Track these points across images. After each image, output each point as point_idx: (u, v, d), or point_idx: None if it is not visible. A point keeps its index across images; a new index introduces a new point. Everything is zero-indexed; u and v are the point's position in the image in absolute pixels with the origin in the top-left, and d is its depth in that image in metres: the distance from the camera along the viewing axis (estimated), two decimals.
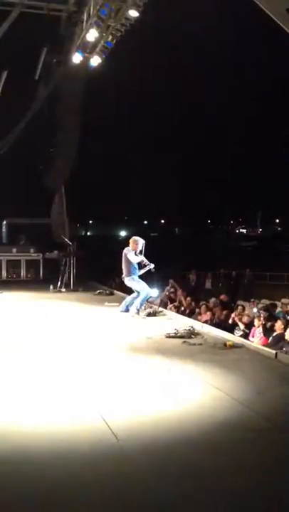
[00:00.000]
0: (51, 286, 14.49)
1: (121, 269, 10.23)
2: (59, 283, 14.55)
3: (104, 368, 6.36)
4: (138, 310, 9.88)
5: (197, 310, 12.30)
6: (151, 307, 10.94)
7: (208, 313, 11.67)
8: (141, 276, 10.18)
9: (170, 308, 12.32)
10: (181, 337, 8.02)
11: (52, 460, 3.87)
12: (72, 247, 15.24)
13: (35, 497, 3.40)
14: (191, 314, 11.92)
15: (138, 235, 10.45)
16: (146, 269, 10.06)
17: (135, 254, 10.03)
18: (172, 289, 14.88)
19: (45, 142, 17.82)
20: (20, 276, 16.57)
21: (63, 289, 14.31)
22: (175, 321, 9.72)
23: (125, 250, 10.08)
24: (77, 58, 13.92)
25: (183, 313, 11.88)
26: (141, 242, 10.15)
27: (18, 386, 5.56)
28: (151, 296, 11.43)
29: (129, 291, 11.52)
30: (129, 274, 9.99)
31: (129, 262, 9.97)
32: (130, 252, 10.01)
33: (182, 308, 12.85)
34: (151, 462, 3.89)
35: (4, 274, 16.07)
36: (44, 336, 8.23)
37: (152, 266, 10.04)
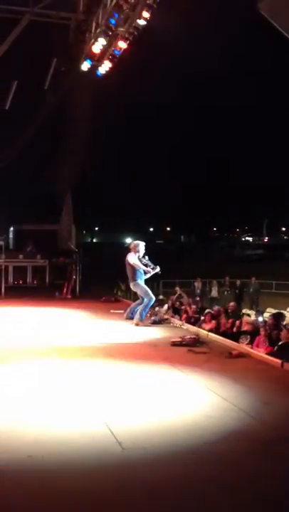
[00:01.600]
0: (57, 293, 14.53)
1: (125, 275, 10.25)
2: (65, 289, 14.58)
3: (109, 375, 6.36)
4: (142, 317, 9.87)
5: (202, 318, 12.28)
6: (156, 315, 10.94)
7: (213, 321, 11.64)
8: (147, 282, 10.15)
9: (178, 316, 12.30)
10: (186, 345, 8.01)
11: (56, 469, 3.86)
12: (79, 253, 15.28)
13: (39, 506, 3.40)
14: (195, 322, 11.90)
15: (144, 243, 10.43)
16: (153, 272, 10.09)
17: (138, 258, 10.04)
18: (176, 297, 14.86)
19: (53, 150, 17.92)
20: (26, 283, 16.59)
21: (69, 296, 14.34)
22: (180, 329, 9.72)
23: (128, 255, 10.10)
24: (85, 66, 14.01)
25: (188, 321, 11.85)
26: (141, 245, 10.16)
27: (22, 394, 5.56)
28: (156, 303, 11.45)
29: (134, 297, 11.59)
30: (134, 279, 9.98)
31: (132, 267, 9.96)
32: (132, 257, 10.01)
33: (186, 316, 12.83)
34: (156, 472, 3.88)
35: (11, 280, 16.10)
36: (48, 342, 8.23)
37: (158, 269, 10.06)
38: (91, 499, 3.49)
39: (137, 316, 9.90)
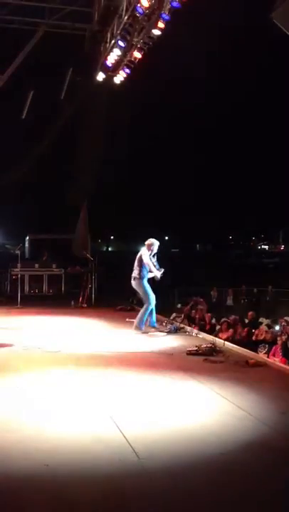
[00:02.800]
0: (73, 302, 14.56)
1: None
2: (80, 298, 14.62)
3: (124, 384, 6.34)
4: (142, 323, 9.75)
5: (218, 327, 12.23)
6: (172, 323, 10.91)
7: (230, 330, 11.58)
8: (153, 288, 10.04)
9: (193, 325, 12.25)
10: (202, 354, 7.96)
11: (74, 478, 3.85)
12: (94, 262, 15.32)
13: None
14: (212, 331, 11.85)
15: (158, 243, 10.28)
16: (152, 275, 9.93)
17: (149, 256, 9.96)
18: (191, 306, 14.81)
19: (69, 160, 18.06)
20: (42, 292, 16.68)
21: (84, 305, 14.37)
22: (196, 338, 9.67)
23: (142, 251, 10.03)
24: (100, 77, 14.12)
25: (204, 329, 11.80)
26: (156, 245, 10.09)
27: (38, 402, 5.57)
28: (174, 313, 11.38)
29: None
30: (140, 276, 9.85)
31: (142, 264, 9.86)
32: (146, 254, 9.92)
33: (201, 324, 12.78)
34: (173, 482, 3.84)
35: (27, 289, 16.19)
36: (64, 351, 8.24)
37: (159, 274, 9.91)
38: (109, 508, 3.46)
39: (136, 321, 9.78)
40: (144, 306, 9.83)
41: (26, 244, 21.01)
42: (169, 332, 10.12)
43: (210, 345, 8.38)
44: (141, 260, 9.90)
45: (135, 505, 3.53)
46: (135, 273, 9.93)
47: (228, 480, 3.90)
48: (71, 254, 17.38)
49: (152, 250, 10.05)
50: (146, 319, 9.95)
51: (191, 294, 15.69)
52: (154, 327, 10.06)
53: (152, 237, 10.25)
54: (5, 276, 16.60)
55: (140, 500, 3.60)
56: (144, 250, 10.01)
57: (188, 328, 10.83)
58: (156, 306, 10.17)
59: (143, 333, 9.69)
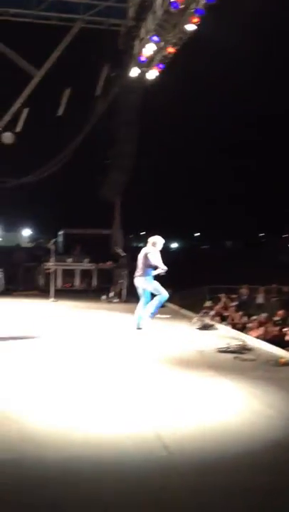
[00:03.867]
0: (103, 296, 14.69)
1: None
2: (111, 293, 14.73)
3: (154, 381, 6.38)
4: (153, 315, 9.48)
5: (249, 325, 12.15)
6: (203, 320, 10.90)
7: (261, 328, 11.49)
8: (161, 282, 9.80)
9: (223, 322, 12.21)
10: (232, 352, 7.94)
11: (103, 471, 3.90)
12: (126, 258, 15.39)
13: (86, 507, 3.45)
14: (242, 329, 11.78)
15: (163, 240, 10.01)
16: (157, 272, 9.62)
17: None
18: (223, 304, 14.74)
19: (103, 155, 18.15)
20: (74, 286, 16.86)
21: (115, 300, 14.47)
22: (227, 336, 9.64)
23: (146, 249, 9.72)
24: (134, 72, 14.16)
25: (235, 327, 11.74)
26: (160, 243, 9.81)
27: (68, 397, 5.65)
28: (203, 309, 11.29)
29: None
30: (145, 274, 9.57)
31: (146, 262, 9.56)
32: (152, 253, 9.60)
33: (233, 322, 12.71)
34: (201, 478, 3.86)
35: (59, 283, 16.40)
36: (94, 344, 8.33)
37: (164, 270, 9.58)
38: (138, 502, 3.51)
39: (147, 313, 9.44)
40: (157, 298, 9.47)
41: (60, 239, 21.24)
42: (200, 329, 10.11)
43: (240, 343, 8.35)
44: (146, 259, 9.57)
45: (164, 501, 3.56)
46: (140, 271, 9.62)
47: (257, 479, 3.90)
48: (103, 250, 17.52)
49: (157, 248, 9.74)
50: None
51: (221, 292, 15.60)
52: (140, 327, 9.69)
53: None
54: (38, 270, 16.85)
55: (169, 495, 3.63)
56: (149, 249, 9.68)
57: (219, 326, 10.80)
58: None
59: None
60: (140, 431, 4.64)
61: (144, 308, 9.68)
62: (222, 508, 3.49)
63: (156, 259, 9.56)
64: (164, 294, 9.50)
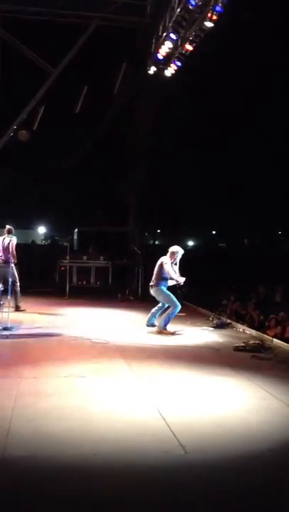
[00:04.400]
0: (119, 294, 14.69)
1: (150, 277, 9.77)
2: (127, 291, 14.72)
3: (171, 378, 6.36)
4: (165, 325, 9.35)
5: (266, 324, 12.05)
6: (219, 318, 10.84)
7: (278, 327, 11.38)
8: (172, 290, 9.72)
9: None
10: (249, 351, 7.89)
11: (119, 469, 3.89)
12: (141, 255, 15.37)
13: (102, 504, 3.44)
14: (259, 328, 11.68)
15: (182, 251, 9.81)
16: (174, 282, 9.55)
17: (171, 265, 9.53)
18: (240, 303, 14.63)
19: (119, 154, 18.15)
20: (89, 283, 16.88)
21: (131, 297, 14.46)
22: (243, 334, 9.59)
23: (163, 259, 9.60)
24: (152, 70, 14.11)
25: (252, 326, 11.65)
26: (180, 253, 9.67)
27: (86, 392, 5.66)
28: (220, 307, 11.21)
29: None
30: (158, 284, 9.49)
31: (162, 271, 9.47)
32: (168, 263, 9.50)
33: (250, 321, 12.62)
34: (218, 477, 3.83)
35: (75, 280, 16.43)
36: (111, 342, 8.33)
37: (182, 280, 9.53)
38: (154, 500, 3.49)
39: (160, 324, 9.39)
40: (171, 309, 9.40)
41: (75, 237, 21.29)
42: (216, 327, 10.06)
43: (258, 341, 8.29)
44: (161, 267, 9.50)
45: (181, 499, 3.53)
46: (154, 281, 9.56)
47: (275, 477, 3.86)
48: (119, 247, 17.53)
49: (175, 258, 9.63)
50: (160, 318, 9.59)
51: (238, 290, 15.49)
52: (151, 324, 9.72)
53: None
54: (54, 267, 16.90)
55: (185, 494, 3.61)
56: (165, 258, 9.59)
57: (235, 324, 10.73)
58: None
59: (169, 333, 9.27)
60: (157, 428, 4.62)
61: (161, 309, 9.63)
62: (239, 506, 3.45)
63: (170, 270, 9.45)
64: (176, 305, 9.43)
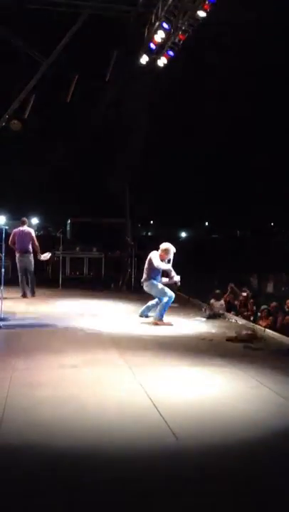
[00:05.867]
0: (112, 285, 14.70)
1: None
2: (120, 282, 14.74)
3: (163, 368, 6.38)
4: (161, 316, 9.29)
5: (258, 314, 12.12)
6: (212, 309, 10.88)
7: (270, 317, 11.46)
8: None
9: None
10: (242, 341, 7.92)
11: (111, 458, 3.90)
12: (134, 247, 15.38)
13: (97, 492, 3.45)
14: (251, 318, 11.75)
15: (174, 249, 9.62)
16: (172, 281, 9.48)
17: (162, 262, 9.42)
18: (229, 292, 14.69)
19: (112, 144, 18.07)
20: (82, 274, 16.88)
21: (124, 288, 14.48)
22: (236, 325, 9.62)
23: (152, 254, 9.47)
24: (144, 59, 14.02)
25: (244, 317, 11.71)
26: (172, 252, 9.47)
27: (79, 381, 5.67)
28: (212, 297, 11.24)
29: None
30: (149, 278, 9.39)
31: (151, 266, 9.37)
32: (156, 258, 9.37)
33: (240, 311, 12.68)
34: (211, 465, 3.85)
35: (68, 271, 16.43)
36: (104, 333, 8.34)
37: (178, 279, 9.45)
38: (146, 488, 3.51)
39: (156, 315, 9.34)
40: (164, 300, 9.30)
41: (68, 228, 21.26)
42: (209, 318, 10.10)
43: (250, 332, 8.33)
44: (150, 263, 9.39)
45: (173, 487, 3.55)
46: (145, 276, 9.48)
47: (266, 466, 3.89)
48: (111, 238, 17.52)
49: (166, 258, 9.46)
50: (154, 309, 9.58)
51: (230, 281, 15.54)
52: (144, 315, 9.72)
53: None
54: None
55: (178, 481, 3.62)
56: (154, 253, 9.48)
57: (228, 315, 10.78)
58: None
59: (166, 324, 9.26)
60: (149, 417, 4.64)
61: (157, 304, 9.58)
62: (231, 493, 3.47)
63: (159, 263, 9.34)
64: (169, 295, 9.34)
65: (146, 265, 9.57)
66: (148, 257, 9.56)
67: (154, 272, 9.42)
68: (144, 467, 3.78)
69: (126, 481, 3.57)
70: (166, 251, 9.49)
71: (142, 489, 3.48)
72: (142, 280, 9.67)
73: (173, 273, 9.51)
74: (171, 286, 9.75)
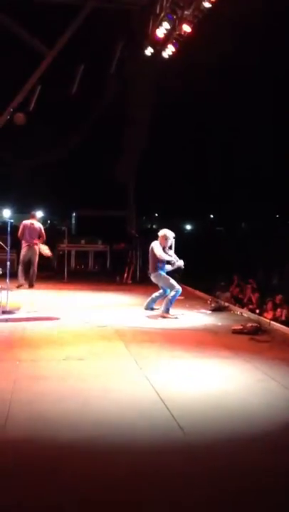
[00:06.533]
0: (118, 278, 14.69)
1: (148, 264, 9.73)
2: (125, 275, 14.73)
3: (169, 360, 6.37)
4: (168, 309, 9.27)
5: (264, 306, 12.09)
6: (217, 301, 10.86)
7: (279, 309, 11.44)
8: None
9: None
10: (247, 333, 7.90)
11: (119, 452, 3.91)
12: (139, 239, 15.35)
13: (102, 486, 3.46)
14: (257, 310, 11.72)
15: (173, 234, 9.68)
16: (175, 266, 9.49)
17: (164, 250, 9.41)
18: (237, 287, 14.67)
19: (115, 136, 18.01)
20: (88, 267, 16.89)
21: (129, 281, 14.47)
22: (241, 317, 9.61)
23: (153, 244, 9.48)
24: (149, 51, 13.94)
25: (249, 309, 11.69)
26: (171, 237, 9.51)
27: (84, 375, 5.67)
28: (217, 290, 11.21)
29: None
30: (156, 269, 9.38)
31: (155, 257, 9.38)
32: (158, 247, 9.39)
33: (246, 303, 12.66)
34: (217, 459, 3.85)
35: (73, 264, 16.44)
36: (110, 326, 8.34)
37: (182, 263, 9.47)
38: (154, 483, 3.51)
39: (163, 308, 9.32)
40: (172, 293, 9.29)
41: (73, 221, 21.26)
42: (214, 310, 10.08)
43: (255, 324, 8.31)
44: (154, 254, 9.39)
45: (179, 482, 3.55)
46: (151, 268, 9.49)
47: (273, 460, 3.89)
48: (116, 231, 17.51)
49: (166, 243, 9.45)
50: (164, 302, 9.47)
51: (236, 273, 15.50)
52: (150, 308, 9.71)
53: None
54: (52, 251, 16.89)
55: (185, 476, 3.63)
56: (156, 243, 9.46)
57: (233, 307, 10.75)
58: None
59: (172, 317, 9.22)
60: (154, 411, 4.64)
61: (161, 295, 9.57)
62: (238, 486, 3.47)
63: (161, 253, 9.34)
64: (176, 288, 9.33)
65: (150, 256, 9.59)
66: (150, 248, 9.59)
67: (160, 262, 9.42)
68: (151, 462, 3.78)
69: (131, 476, 3.57)
70: (164, 237, 9.50)
71: (147, 485, 3.48)
72: (149, 271, 9.68)
73: (175, 259, 9.50)
74: (176, 276, 9.77)
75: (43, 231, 12.89)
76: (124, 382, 5.47)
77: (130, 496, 3.33)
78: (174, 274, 9.90)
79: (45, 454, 3.82)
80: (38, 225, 12.96)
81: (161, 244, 9.46)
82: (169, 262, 9.52)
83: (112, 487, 3.42)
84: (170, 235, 9.55)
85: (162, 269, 9.44)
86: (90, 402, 4.81)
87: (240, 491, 3.42)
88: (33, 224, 12.77)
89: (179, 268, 9.69)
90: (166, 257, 9.43)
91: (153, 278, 9.60)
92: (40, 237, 12.76)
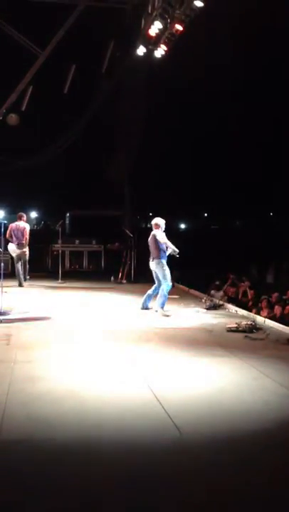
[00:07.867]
0: (112, 278, 14.68)
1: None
2: (120, 274, 14.72)
3: (165, 359, 6.38)
4: (163, 305, 9.46)
5: (258, 304, 12.10)
6: (212, 300, 10.88)
7: (271, 308, 11.45)
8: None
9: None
10: (242, 331, 7.93)
11: (115, 451, 3.91)
12: (133, 239, 15.34)
13: (100, 486, 3.46)
14: (252, 308, 11.73)
15: (164, 221, 9.99)
16: (169, 251, 9.69)
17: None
18: (232, 286, 14.69)
19: (108, 135, 17.99)
20: (82, 267, 16.88)
21: (124, 281, 14.46)
22: (236, 315, 9.63)
23: (153, 232, 9.79)
24: (141, 50, 13.93)
25: (244, 307, 11.71)
26: (163, 224, 9.85)
27: (79, 376, 5.66)
28: (212, 288, 11.22)
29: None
30: (159, 256, 9.60)
31: (157, 244, 9.62)
32: (160, 234, 9.69)
33: (241, 301, 12.68)
34: (214, 457, 3.86)
35: (67, 264, 16.42)
36: (103, 325, 8.34)
37: (177, 251, 9.66)
38: (149, 484, 3.51)
39: (157, 303, 9.49)
40: (163, 288, 9.52)
41: (67, 221, 21.21)
42: (209, 309, 10.10)
43: (250, 322, 8.33)
44: (155, 241, 9.65)
45: (177, 480, 3.56)
46: (154, 255, 9.69)
47: (270, 457, 3.90)
48: (111, 231, 17.49)
49: (161, 229, 9.79)
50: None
51: (230, 271, 15.52)
52: (145, 307, 9.84)
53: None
54: (46, 251, 16.88)
55: (182, 474, 3.63)
56: (156, 231, 9.75)
57: (228, 305, 10.77)
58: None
59: (165, 314, 9.34)
60: (150, 411, 4.65)
61: (155, 290, 9.71)
62: (235, 484, 3.48)
63: (164, 239, 9.66)
64: (168, 282, 9.58)
65: (151, 245, 9.78)
66: (150, 237, 9.79)
67: (162, 249, 9.65)
68: (147, 463, 3.78)
69: (127, 477, 3.57)
70: (157, 225, 9.86)
71: (143, 485, 3.48)
72: (151, 258, 9.81)
73: (170, 245, 9.71)
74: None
75: (27, 231, 13.01)
76: (119, 381, 5.47)
77: (129, 495, 3.33)
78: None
79: (42, 455, 3.81)
80: (24, 225, 13.09)
81: (159, 229, 9.76)
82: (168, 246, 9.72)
83: (110, 487, 3.42)
84: (161, 221, 9.88)
85: (164, 257, 9.64)
86: (85, 403, 4.81)
87: (238, 488, 3.43)
88: (18, 225, 12.96)
89: (175, 253, 9.79)
90: (169, 243, 9.66)
91: (153, 264, 9.77)
92: (23, 236, 12.91)
